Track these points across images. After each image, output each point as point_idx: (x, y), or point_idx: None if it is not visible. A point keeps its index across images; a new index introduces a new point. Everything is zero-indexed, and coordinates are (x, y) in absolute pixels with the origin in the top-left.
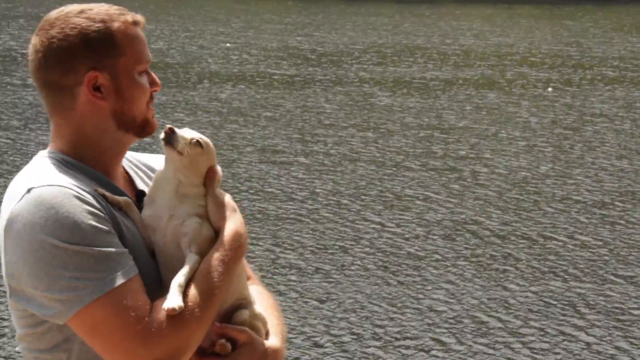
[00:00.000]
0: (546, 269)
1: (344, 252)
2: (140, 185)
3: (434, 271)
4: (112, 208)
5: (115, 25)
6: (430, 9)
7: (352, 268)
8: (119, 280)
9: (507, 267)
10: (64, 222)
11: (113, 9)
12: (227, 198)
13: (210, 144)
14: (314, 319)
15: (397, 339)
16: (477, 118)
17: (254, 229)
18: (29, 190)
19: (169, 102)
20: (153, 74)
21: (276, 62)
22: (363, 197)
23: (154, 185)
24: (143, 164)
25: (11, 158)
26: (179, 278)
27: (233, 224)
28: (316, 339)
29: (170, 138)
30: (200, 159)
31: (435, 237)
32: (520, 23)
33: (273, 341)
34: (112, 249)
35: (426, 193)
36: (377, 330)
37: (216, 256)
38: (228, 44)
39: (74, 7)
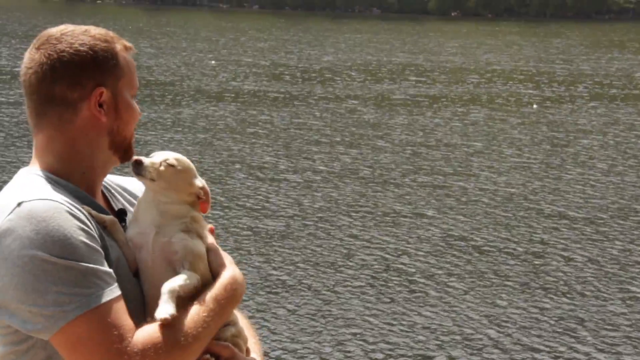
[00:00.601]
0: (537, 285)
1: (334, 268)
2: (118, 205)
3: (424, 287)
4: (99, 227)
5: (118, 47)
6: (414, 25)
7: (343, 285)
8: (105, 298)
9: (498, 283)
10: (55, 236)
11: (110, 33)
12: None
13: (185, 160)
14: (305, 336)
15: (389, 356)
16: (465, 134)
17: (245, 246)
18: (19, 204)
19: (158, 119)
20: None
21: (263, 79)
22: (353, 213)
23: (137, 207)
24: (116, 184)
25: None
26: (173, 285)
27: (232, 270)
28: (307, 356)
29: (138, 169)
30: (177, 178)
31: (425, 253)
32: (505, 40)
33: (253, 357)
34: (100, 267)
35: (416, 210)
36: (369, 347)
37: (211, 295)
38: (213, 62)
39: (77, 26)
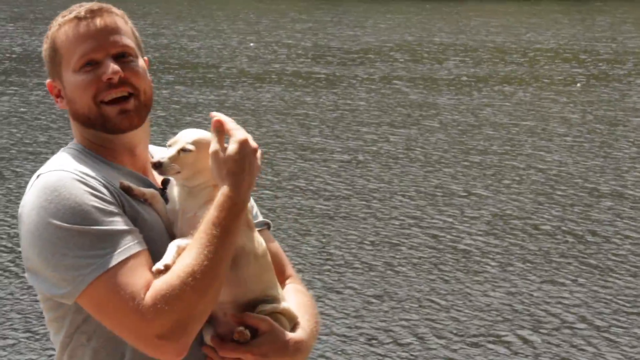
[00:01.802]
0: (600, 265)
1: (393, 248)
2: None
3: (485, 267)
4: (130, 198)
5: (54, 31)
6: (454, 5)
7: (404, 264)
8: (119, 258)
9: (560, 262)
10: (66, 203)
11: (67, 11)
12: (230, 150)
13: (202, 138)
14: (369, 316)
15: (456, 335)
16: (512, 114)
17: (302, 226)
18: (37, 177)
19: (204, 101)
20: (107, 62)
21: (305, 60)
22: (406, 193)
23: (170, 186)
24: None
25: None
26: (177, 240)
27: (227, 182)
28: (373, 336)
29: (160, 170)
30: (198, 159)
31: (482, 232)
32: (548, 18)
33: (298, 333)
34: (115, 227)
35: (469, 189)
36: (436, 326)
37: (209, 220)
38: (252, 44)
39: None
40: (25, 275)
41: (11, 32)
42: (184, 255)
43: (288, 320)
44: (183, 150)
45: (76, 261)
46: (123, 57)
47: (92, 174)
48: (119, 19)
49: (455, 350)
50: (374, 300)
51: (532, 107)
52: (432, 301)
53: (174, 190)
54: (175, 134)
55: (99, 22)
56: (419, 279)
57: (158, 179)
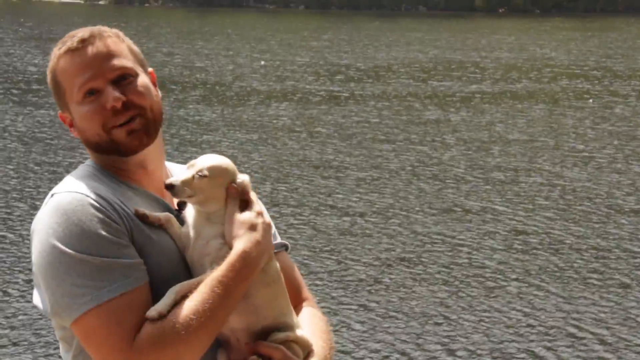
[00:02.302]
0: (615, 282)
1: (408, 265)
2: None
3: (501, 283)
4: (143, 223)
5: (53, 64)
6: (462, 23)
7: (419, 281)
8: (115, 293)
9: (576, 279)
10: (74, 229)
11: (61, 42)
12: (247, 215)
13: (219, 165)
14: (381, 333)
15: (472, 352)
16: (527, 130)
17: (316, 244)
18: (52, 196)
19: (217, 119)
20: (108, 90)
21: (318, 78)
22: (423, 209)
23: (188, 209)
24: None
25: None
26: (177, 286)
27: (242, 243)
28: (389, 354)
29: (173, 192)
30: (212, 185)
31: (498, 248)
32: (558, 35)
33: None
34: (117, 260)
35: (485, 205)
36: (450, 343)
37: (216, 276)
38: (262, 62)
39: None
40: (33, 291)
41: (25, 52)
42: (184, 304)
43: (302, 348)
44: (198, 174)
45: (73, 289)
46: (123, 79)
47: (106, 195)
48: (113, 40)
49: None
50: (391, 318)
51: (546, 123)
52: (452, 318)
53: (190, 215)
54: (190, 152)
55: (91, 49)
56: (437, 296)
57: (175, 199)
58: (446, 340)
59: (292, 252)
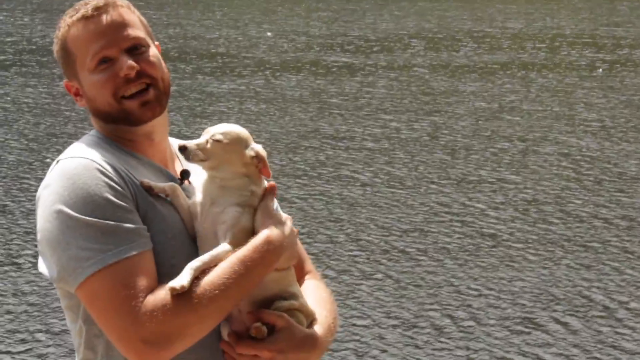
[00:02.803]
0: (636, 250)
1: (425, 234)
2: (181, 167)
3: (520, 252)
4: (148, 192)
5: (64, 32)
6: None
7: (438, 250)
8: (122, 255)
9: (596, 248)
10: (80, 193)
11: (73, 9)
12: (279, 212)
13: (234, 131)
14: (405, 303)
15: (489, 318)
16: (537, 100)
17: (333, 215)
18: (57, 162)
19: (225, 92)
20: (122, 58)
21: (325, 49)
22: (436, 179)
23: (201, 180)
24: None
25: None
26: (196, 262)
27: (269, 230)
28: (410, 322)
29: (186, 155)
30: (226, 151)
31: (513, 217)
32: (565, 4)
33: (315, 329)
34: (123, 224)
35: (499, 175)
36: (475, 312)
37: (238, 255)
38: (269, 33)
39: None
40: (39, 258)
41: (31, 24)
42: (202, 277)
43: (305, 317)
44: (212, 139)
45: (78, 252)
46: (136, 49)
47: (112, 161)
48: (125, 10)
49: (494, 336)
50: (410, 287)
51: (555, 93)
52: (469, 287)
53: (204, 185)
54: (199, 124)
55: (106, 18)
56: (452, 265)
57: (178, 170)
58: (475, 310)
59: (302, 223)
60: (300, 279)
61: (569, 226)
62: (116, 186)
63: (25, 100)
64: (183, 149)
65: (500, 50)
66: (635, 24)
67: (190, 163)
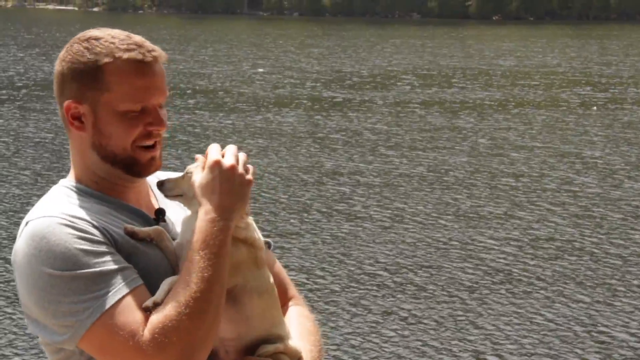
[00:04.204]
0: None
1: (436, 269)
2: (161, 203)
3: (537, 289)
4: (132, 237)
5: (106, 59)
6: (457, 30)
7: (452, 285)
8: (114, 298)
9: (614, 284)
10: (56, 250)
11: (122, 42)
12: (202, 178)
13: None
14: (427, 336)
15: (520, 354)
16: (535, 136)
17: (339, 250)
18: (26, 224)
19: (222, 126)
20: (160, 113)
21: (319, 85)
22: (442, 215)
23: (182, 219)
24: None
25: None
26: (170, 278)
27: (204, 205)
28: (431, 356)
29: (163, 190)
30: None
31: (525, 254)
32: (555, 42)
33: None
34: (106, 267)
35: (504, 211)
36: (495, 347)
37: (193, 247)
38: (261, 69)
39: (89, 33)
40: (26, 322)
41: (31, 59)
42: (174, 286)
43: (290, 358)
44: (187, 173)
45: (73, 307)
46: (162, 105)
47: (80, 214)
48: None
49: None
50: (428, 322)
51: (552, 129)
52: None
53: (183, 225)
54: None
55: (157, 69)
56: (447, 300)
57: (152, 210)
58: (495, 345)
59: (302, 257)
60: (284, 305)
61: (579, 263)
62: (89, 235)
63: (25, 133)
64: (160, 185)
65: (494, 87)
66: (625, 63)
67: (168, 200)
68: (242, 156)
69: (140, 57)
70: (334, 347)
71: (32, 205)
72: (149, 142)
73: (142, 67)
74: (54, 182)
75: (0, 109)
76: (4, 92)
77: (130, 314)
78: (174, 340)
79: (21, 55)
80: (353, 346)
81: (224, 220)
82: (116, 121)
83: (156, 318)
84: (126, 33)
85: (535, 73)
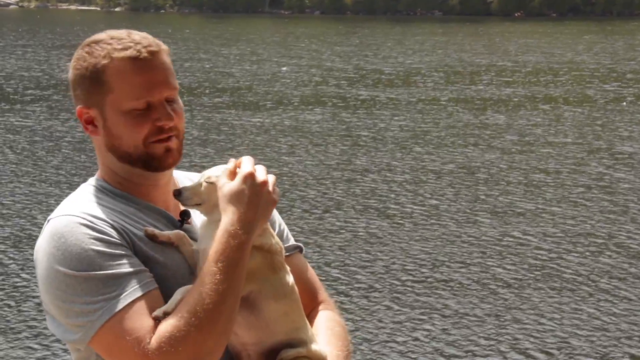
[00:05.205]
0: None
1: (478, 265)
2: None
3: (582, 285)
4: (152, 240)
5: (105, 61)
6: (479, 27)
7: (492, 281)
8: (125, 302)
9: (623, 279)
10: (72, 250)
11: (119, 42)
12: (230, 187)
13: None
14: (473, 335)
15: (571, 354)
16: (568, 132)
17: (380, 248)
18: (48, 222)
19: (253, 125)
20: (166, 107)
21: (346, 82)
22: (478, 212)
23: (200, 225)
24: (183, 180)
25: None
26: (184, 287)
27: (226, 217)
28: (479, 353)
29: (180, 199)
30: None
31: (564, 250)
32: (581, 38)
33: None
34: (121, 270)
35: (542, 206)
36: (543, 344)
37: (209, 259)
38: (284, 68)
39: (92, 38)
40: (46, 319)
41: (51, 60)
42: (187, 296)
43: None
44: (206, 181)
45: (84, 307)
46: (171, 98)
47: (100, 215)
48: (167, 56)
49: None
50: (470, 319)
51: (584, 125)
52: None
53: (202, 231)
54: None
55: (156, 64)
56: (506, 296)
57: (179, 211)
58: (544, 342)
59: (333, 255)
60: (313, 310)
61: (623, 260)
62: (106, 237)
63: (52, 133)
64: (177, 194)
65: (520, 83)
66: None
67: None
68: (272, 177)
69: (135, 54)
70: (377, 343)
71: (56, 204)
72: (161, 137)
73: (138, 64)
74: (85, 181)
75: (28, 108)
76: (30, 92)
77: (139, 319)
78: (180, 351)
79: (45, 55)
80: (396, 342)
81: (245, 234)
82: (123, 121)
83: (165, 327)
84: (127, 31)
85: (561, 69)
